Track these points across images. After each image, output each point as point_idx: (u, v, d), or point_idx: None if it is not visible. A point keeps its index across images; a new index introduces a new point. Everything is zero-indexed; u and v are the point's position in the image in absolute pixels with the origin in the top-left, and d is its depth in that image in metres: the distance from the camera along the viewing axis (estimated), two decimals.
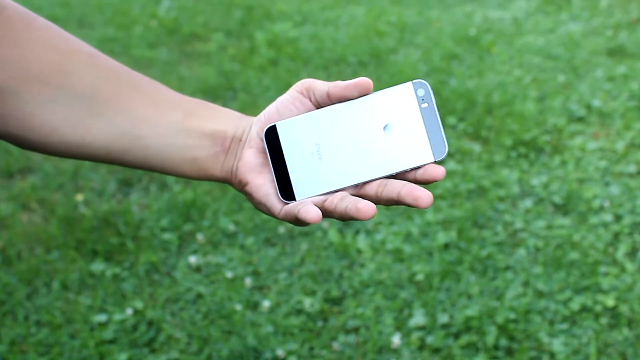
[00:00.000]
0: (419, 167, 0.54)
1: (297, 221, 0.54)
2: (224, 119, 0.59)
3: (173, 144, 0.57)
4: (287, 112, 0.57)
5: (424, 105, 0.55)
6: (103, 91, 0.55)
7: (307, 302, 1.78)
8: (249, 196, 0.57)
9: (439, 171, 0.53)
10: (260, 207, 0.57)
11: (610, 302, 1.75)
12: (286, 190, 0.56)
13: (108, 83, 0.56)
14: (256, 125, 0.58)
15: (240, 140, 0.58)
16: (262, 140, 0.57)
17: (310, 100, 0.57)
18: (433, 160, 0.54)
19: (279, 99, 0.58)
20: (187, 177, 0.59)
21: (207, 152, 0.57)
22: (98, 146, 0.56)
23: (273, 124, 0.56)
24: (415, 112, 0.55)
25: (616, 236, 2.03)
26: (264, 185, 0.57)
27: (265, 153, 0.57)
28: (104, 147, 0.56)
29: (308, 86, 0.56)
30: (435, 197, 2.25)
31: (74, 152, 0.57)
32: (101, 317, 1.76)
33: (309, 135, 0.56)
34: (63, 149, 0.56)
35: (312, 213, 0.52)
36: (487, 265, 1.92)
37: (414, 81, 0.56)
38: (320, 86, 0.56)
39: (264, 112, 0.58)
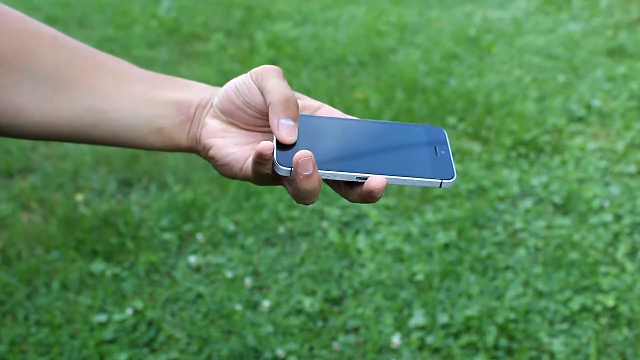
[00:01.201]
0: (423, 180, 0.55)
1: (257, 165, 0.52)
2: (189, 90, 0.60)
3: (138, 116, 0.57)
4: (242, 95, 0.57)
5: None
6: (67, 71, 0.56)
7: (307, 302, 1.78)
8: (213, 160, 0.57)
9: (377, 180, 0.52)
10: (224, 168, 0.57)
11: (610, 302, 1.75)
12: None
13: (72, 63, 0.57)
14: (218, 97, 0.58)
15: (205, 108, 0.59)
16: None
17: (258, 89, 0.56)
18: (439, 181, 0.55)
19: (239, 79, 0.58)
20: (155, 149, 0.60)
21: (172, 121, 0.58)
22: (64, 124, 0.57)
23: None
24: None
25: (616, 236, 2.03)
26: (226, 146, 0.57)
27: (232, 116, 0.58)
28: (70, 124, 0.57)
29: (261, 82, 0.56)
30: (435, 197, 2.25)
31: (41, 133, 0.57)
32: (101, 317, 1.76)
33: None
34: (30, 130, 0.57)
35: (264, 143, 0.50)
36: (487, 265, 1.92)
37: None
38: (266, 92, 0.55)
39: (224, 88, 0.58)
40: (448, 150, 0.57)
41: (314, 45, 3.70)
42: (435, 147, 0.57)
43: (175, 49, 3.80)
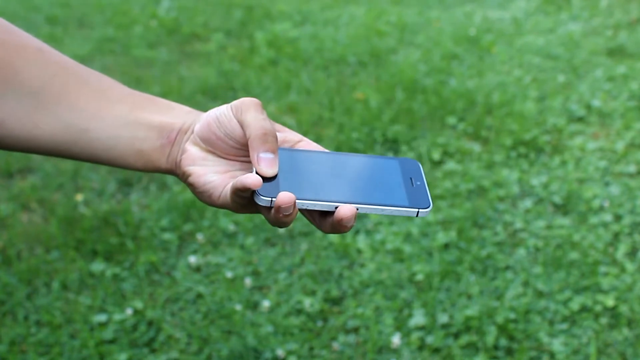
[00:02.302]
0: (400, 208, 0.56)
1: (236, 195, 0.54)
2: (171, 113, 0.59)
3: (120, 136, 0.57)
4: (223, 127, 0.57)
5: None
6: (51, 87, 0.56)
7: (307, 302, 1.78)
8: (192, 187, 0.58)
9: (346, 209, 0.53)
10: (203, 196, 0.58)
11: (610, 302, 1.75)
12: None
13: (56, 78, 0.56)
14: (198, 125, 0.58)
15: (185, 133, 0.58)
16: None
17: (237, 123, 0.57)
18: (416, 210, 0.57)
19: (221, 111, 0.57)
20: (134, 169, 0.60)
21: (153, 144, 0.58)
22: (45, 140, 0.57)
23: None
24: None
25: (616, 236, 2.03)
26: (205, 174, 0.57)
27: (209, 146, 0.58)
28: (51, 140, 0.57)
29: (240, 116, 0.56)
30: (435, 197, 2.25)
31: (21, 146, 0.57)
32: (101, 317, 1.76)
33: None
34: (10, 143, 0.57)
35: (252, 178, 0.52)
36: (487, 265, 1.92)
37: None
38: (245, 126, 0.56)
39: (206, 117, 0.58)
40: (423, 181, 0.60)
41: (314, 45, 3.70)
42: (411, 179, 0.59)
43: (175, 49, 3.80)
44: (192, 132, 0.58)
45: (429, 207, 0.56)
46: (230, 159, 0.58)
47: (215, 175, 0.57)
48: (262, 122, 0.55)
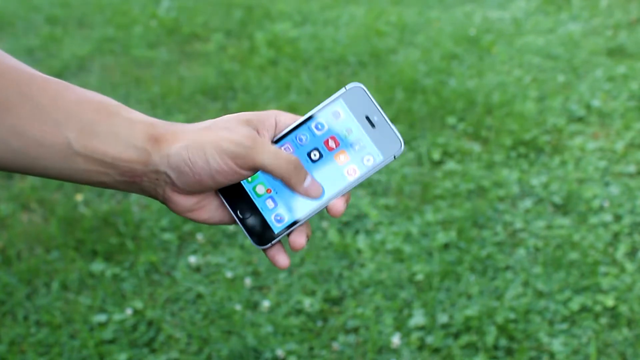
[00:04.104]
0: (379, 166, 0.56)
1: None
2: (125, 142, 0.50)
3: (72, 168, 0.50)
4: (224, 180, 0.52)
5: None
6: None
7: (307, 302, 1.78)
8: (196, 222, 0.56)
9: (338, 205, 0.55)
10: (212, 223, 0.57)
11: (610, 302, 1.75)
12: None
13: None
14: (179, 176, 0.51)
15: (157, 178, 0.51)
16: (219, 196, 0.56)
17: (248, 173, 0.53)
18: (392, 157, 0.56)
19: (214, 165, 0.51)
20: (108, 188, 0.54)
21: (114, 179, 0.51)
22: None
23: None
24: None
25: (616, 236, 2.03)
26: (212, 217, 0.56)
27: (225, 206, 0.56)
28: (3, 163, 0.49)
29: (253, 165, 0.52)
30: (435, 197, 2.25)
31: None
32: (101, 317, 1.76)
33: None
34: None
35: (281, 261, 0.55)
36: (487, 265, 1.92)
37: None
38: (270, 171, 0.53)
39: (191, 165, 0.50)
40: (380, 113, 0.56)
41: (314, 45, 3.70)
42: (367, 117, 0.56)
43: (175, 49, 3.80)
44: (167, 182, 0.52)
45: (401, 145, 0.56)
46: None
47: (218, 211, 0.56)
48: (279, 157, 0.52)
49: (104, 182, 0.51)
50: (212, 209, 0.56)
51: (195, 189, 0.52)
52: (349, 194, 0.57)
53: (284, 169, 0.52)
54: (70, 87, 0.50)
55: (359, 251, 2.00)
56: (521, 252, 1.97)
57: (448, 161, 2.47)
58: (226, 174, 0.51)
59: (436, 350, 1.64)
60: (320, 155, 0.56)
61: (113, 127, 0.50)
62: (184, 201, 0.53)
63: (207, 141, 0.50)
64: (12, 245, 2.03)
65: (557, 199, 2.21)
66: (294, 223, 0.56)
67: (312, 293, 1.84)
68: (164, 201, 0.53)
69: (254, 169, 0.52)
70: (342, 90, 0.56)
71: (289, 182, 0.53)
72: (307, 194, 0.54)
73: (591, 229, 2.06)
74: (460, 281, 1.85)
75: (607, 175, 2.36)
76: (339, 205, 0.55)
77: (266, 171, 0.52)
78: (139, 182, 0.52)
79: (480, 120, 2.74)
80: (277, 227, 0.56)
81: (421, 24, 4.08)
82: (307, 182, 0.54)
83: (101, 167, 0.50)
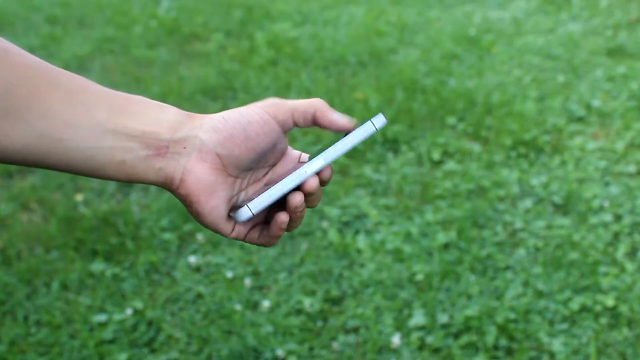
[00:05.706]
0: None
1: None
2: (155, 118, 0.53)
3: (97, 147, 0.51)
4: (254, 135, 0.54)
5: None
6: (19, 91, 0.49)
7: (307, 302, 1.78)
8: (196, 214, 0.54)
9: (312, 182, 0.55)
10: (208, 226, 0.55)
11: (610, 302, 1.75)
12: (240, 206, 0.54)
13: (24, 82, 0.50)
14: (212, 135, 0.53)
15: (185, 146, 0.53)
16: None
17: (281, 126, 0.55)
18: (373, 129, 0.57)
19: (247, 116, 0.54)
20: (116, 180, 0.54)
21: (137, 155, 0.52)
22: (16, 150, 0.50)
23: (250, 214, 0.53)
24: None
25: (616, 236, 2.03)
26: (217, 207, 0.54)
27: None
28: (22, 150, 0.51)
29: (282, 115, 0.55)
30: (435, 197, 2.25)
31: None
32: (101, 317, 1.76)
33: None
34: None
35: (344, 119, 0.56)
36: (487, 265, 1.92)
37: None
38: (298, 114, 0.55)
39: (225, 121, 0.53)
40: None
41: (314, 45, 3.70)
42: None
43: (175, 49, 3.80)
44: (195, 146, 0.53)
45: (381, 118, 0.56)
46: (234, 178, 0.55)
47: (224, 206, 0.55)
48: (310, 100, 0.57)
49: (123, 160, 0.52)
50: (222, 199, 0.55)
51: (225, 149, 0.53)
52: (331, 168, 0.56)
53: (316, 100, 0.56)
54: (94, 83, 0.54)
55: (359, 251, 2.00)
56: (521, 252, 1.97)
57: (448, 161, 2.47)
58: (258, 125, 0.53)
59: (436, 350, 1.65)
60: None
61: (145, 109, 0.53)
62: (205, 174, 0.53)
63: (241, 108, 0.55)
64: (12, 245, 2.04)
65: (557, 199, 2.21)
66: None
67: (312, 293, 1.84)
68: (182, 179, 0.53)
69: (287, 115, 0.54)
70: (372, 127, 0.57)
71: (322, 110, 0.56)
72: (339, 120, 0.56)
73: (591, 229, 2.06)
74: (460, 281, 1.85)
75: (607, 175, 2.36)
76: (312, 182, 0.55)
77: (300, 111, 0.55)
78: (163, 154, 0.52)
79: (480, 120, 2.74)
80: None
81: (421, 24, 4.08)
82: (339, 115, 0.57)
83: (127, 141, 0.51)
